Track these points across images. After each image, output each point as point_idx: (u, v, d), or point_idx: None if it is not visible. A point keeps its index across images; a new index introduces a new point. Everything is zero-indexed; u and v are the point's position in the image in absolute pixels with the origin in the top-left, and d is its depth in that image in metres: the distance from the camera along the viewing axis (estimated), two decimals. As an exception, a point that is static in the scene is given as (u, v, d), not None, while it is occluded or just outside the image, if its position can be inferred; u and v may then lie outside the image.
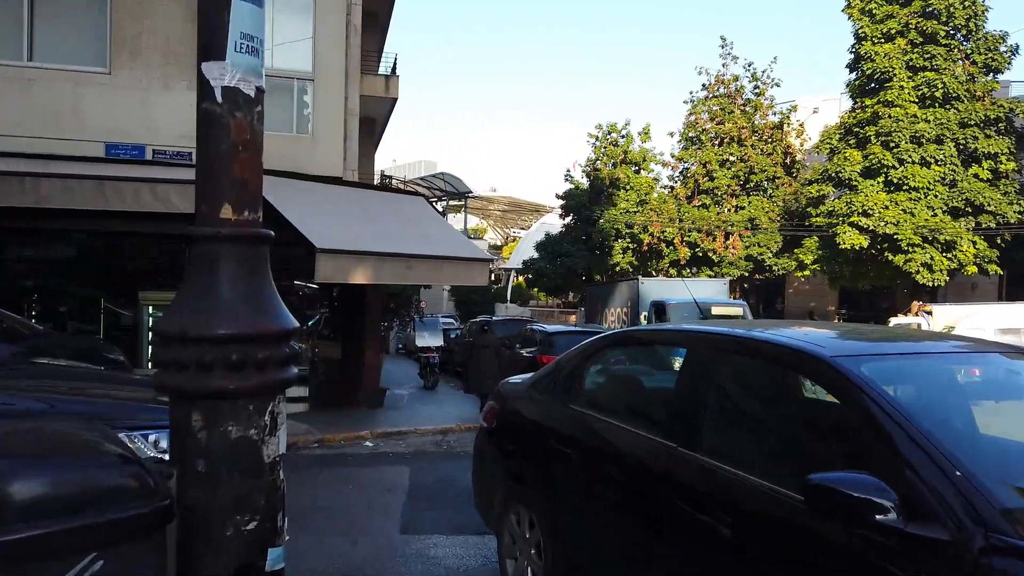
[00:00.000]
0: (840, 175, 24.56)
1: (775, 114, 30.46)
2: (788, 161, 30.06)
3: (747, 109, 30.29)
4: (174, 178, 11.39)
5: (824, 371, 2.85)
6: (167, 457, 3.56)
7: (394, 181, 32.19)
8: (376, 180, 23.64)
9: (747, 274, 28.88)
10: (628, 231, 30.06)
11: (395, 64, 19.27)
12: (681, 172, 31.73)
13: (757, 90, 30.46)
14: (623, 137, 33.22)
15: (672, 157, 31.77)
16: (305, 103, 13.33)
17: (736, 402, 3.56)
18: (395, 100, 17.92)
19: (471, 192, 49.58)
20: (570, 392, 4.35)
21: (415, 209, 14.65)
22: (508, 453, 4.76)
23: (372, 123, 19.68)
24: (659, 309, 18.29)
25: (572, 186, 34.79)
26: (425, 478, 8.14)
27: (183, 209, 11.25)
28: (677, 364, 3.70)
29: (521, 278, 42.14)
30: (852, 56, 25.77)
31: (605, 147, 33.29)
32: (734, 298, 24.48)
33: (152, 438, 3.99)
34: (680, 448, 3.23)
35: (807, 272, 27.24)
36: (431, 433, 11.54)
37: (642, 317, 19.50)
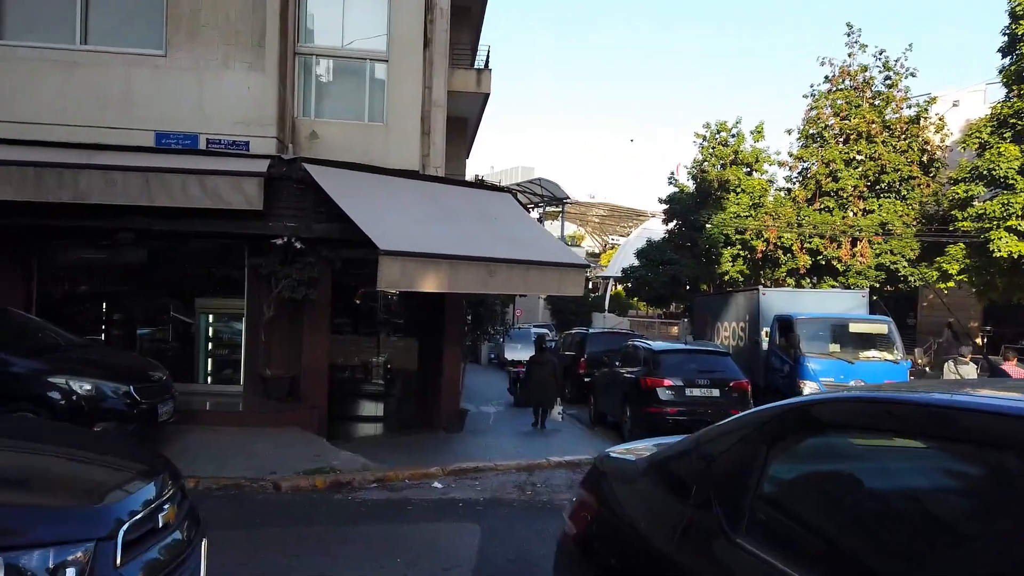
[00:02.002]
0: (993, 173, 21.26)
1: (910, 107, 27.12)
2: (926, 159, 26.64)
3: (877, 103, 27.11)
4: (226, 169, 10.04)
5: None
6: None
7: (487, 184, 30.71)
8: (468, 182, 22.11)
9: (878, 285, 25.71)
10: (739, 237, 27.52)
11: (488, 57, 17.71)
12: (800, 172, 28.82)
13: (889, 81, 27.23)
14: (733, 136, 30.70)
15: (790, 156, 28.89)
16: (379, 88, 11.77)
17: None
18: (487, 96, 16.37)
19: (568, 198, 47.85)
20: (732, 506, 2.20)
21: (502, 207, 12.86)
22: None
23: (463, 123, 18.22)
24: (785, 325, 15.81)
25: (676, 189, 32.45)
26: (496, 549, 6.27)
27: (235, 204, 9.87)
28: (977, 477, 1.68)
29: (620, 287, 39.89)
30: (1006, 39, 22.37)
31: (713, 147, 30.84)
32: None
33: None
34: None
35: (951, 283, 23.88)
36: (514, 470, 9.68)
37: (763, 334, 17.05)
